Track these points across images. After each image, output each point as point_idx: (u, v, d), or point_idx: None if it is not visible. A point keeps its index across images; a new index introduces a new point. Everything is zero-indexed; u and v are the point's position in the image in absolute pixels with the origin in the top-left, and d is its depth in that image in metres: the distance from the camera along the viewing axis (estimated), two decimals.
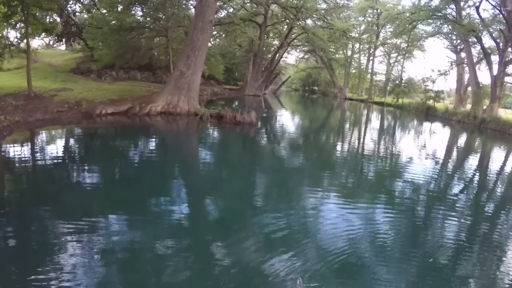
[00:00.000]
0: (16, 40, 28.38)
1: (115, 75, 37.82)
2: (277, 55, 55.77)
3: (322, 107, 55.27)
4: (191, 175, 13.36)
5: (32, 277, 5.70)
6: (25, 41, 23.45)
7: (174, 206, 9.43)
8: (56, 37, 41.09)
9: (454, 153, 23.48)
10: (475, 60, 47.29)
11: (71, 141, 16.81)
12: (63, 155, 13.90)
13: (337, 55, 69.61)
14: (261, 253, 7.04)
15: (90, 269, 6.05)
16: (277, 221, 8.71)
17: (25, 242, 6.87)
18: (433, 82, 52.31)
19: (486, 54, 41.01)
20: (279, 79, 73.31)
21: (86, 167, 12.59)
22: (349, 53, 72.01)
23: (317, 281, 6.25)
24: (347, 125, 35.30)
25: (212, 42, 56.76)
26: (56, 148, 14.84)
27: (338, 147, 21.73)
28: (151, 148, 17.17)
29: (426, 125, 38.57)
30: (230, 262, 6.64)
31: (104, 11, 37.16)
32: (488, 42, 42.76)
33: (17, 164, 12.09)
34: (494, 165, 20.25)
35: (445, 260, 7.64)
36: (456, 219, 10.28)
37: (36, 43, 47.38)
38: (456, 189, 14.11)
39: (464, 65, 52.03)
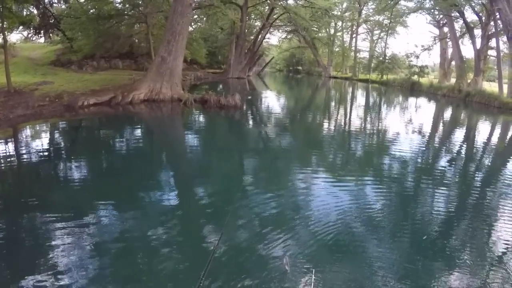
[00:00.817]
0: None
1: (96, 65, 37.27)
2: (260, 36, 55.29)
3: (307, 87, 55.18)
4: (178, 161, 13.31)
5: (23, 271, 5.72)
6: (1, 36, 22.80)
7: (163, 193, 9.43)
8: (34, 30, 40.12)
9: (440, 127, 23.65)
10: (458, 34, 47.31)
11: (54, 135, 16.50)
12: (46, 150, 13.64)
13: (320, 34, 69.14)
14: (253, 235, 7.15)
15: (81, 261, 6.03)
16: (267, 201, 8.84)
17: (15, 237, 6.87)
18: (417, 57, 52.51)
19: (469, 28, 41.15)
20: (263, 61, 72.96)
21: (71, 161, 12.41)
22: (332, 31, 71.69)
23: (309, 259, 6.32)
24: (332, 103, 35.35)
25: (194, 26, 56.28)
26: (39, 144, 14.56)
27: (325, 126, 21.82)
28: (136, 137, 16.99)
29: (412, 100, 38.74)
30: (222, 245, 6.58)
31: (82, 0, 36.46)
32: (470, 16, 42.86)
33: None
34: (480, 137, 20.48)
35: (435, 233, 7.72)
36: (444, 191, 10.46)
37: (14, 37, 46.56)
38: (443, 162, 14.27)
39: (447, 40, 52.15)
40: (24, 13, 28.60)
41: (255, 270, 5.99)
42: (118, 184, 10.05)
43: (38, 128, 17.22)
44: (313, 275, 5.01)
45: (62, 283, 5.50)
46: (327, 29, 70.06)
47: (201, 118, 22.28)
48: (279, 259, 6.17)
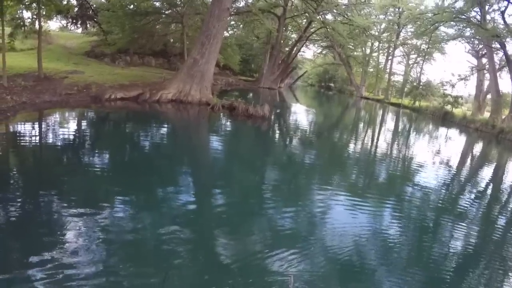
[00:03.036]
0: (29, 20, 27.95)
1: (129, 60, 37.47)
2: (295, 48, 54.96)
3: (337, 104, 54.60)
4: (199, 166, 13.08)
5: (36, 258, 5.74)
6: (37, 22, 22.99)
7: (180, 196, 9.33)
8: (71, 19, 40.57)
9: (469, 162, 22.73)
10: (497, 66, 45.91)
11: (78, 124, 16.33)
12: (68, 137, 13.52)
13: (355, 53, 68.59)
14: (264, 249, 7.04)
15: (94, 253, 6.07)
16: (284, 217, 8.72)
17: (29, 218, 6.99)
18: (453, 86, 51.13)
19: (509, 61, 39.75)
20: (295, 73, 72.80)
21: (91, 151, 12.40)
22: (368, 51, 71.01)
23: (318, 281, 6.21)
24: (361, 125, 34.61)
25: (230, 32, 56.40)
26: (62, 130, 14.40)
27: (351, 146, 21.22)
28: (159, 135, 16.67)
29: (442, 130, 37.66)
30: (231, 256, 6.66)
31: None
32: None
33: (14, 147, 11.69)
34: (509, 177, 19.50)
35: (450, 271, 7.45)
36: (465, 228, 9.99)
37: (53, 25, 47.19)
38: (468, 200, 13.53)
39: (485, 71, 50.81)
40: (62, 1, 28.53)
41: (260, 284, 5.92)
42: (136, 180, 9.96)
43: (63, 115, 17.16)
44: None
45: (70, 269, 5.54)
46: (363, 48, 69.42)
47: (227, 125, 21.86)
48: (285, 277, 6.01)
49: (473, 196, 14.15)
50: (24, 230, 6.59)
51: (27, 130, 13.89)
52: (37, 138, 13.04)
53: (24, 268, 5.53)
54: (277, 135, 21.71)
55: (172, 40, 42.20)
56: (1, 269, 5.45)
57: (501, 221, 11.59)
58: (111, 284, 5.44)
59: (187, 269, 6.15)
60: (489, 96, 48.17)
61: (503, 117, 38.92)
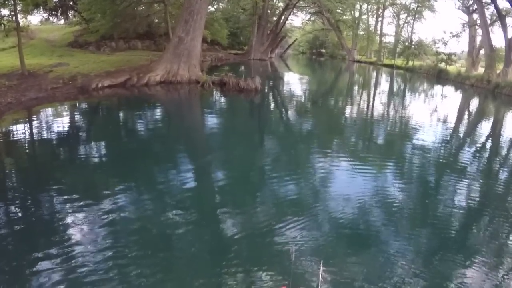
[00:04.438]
0: (6, 18, 27.15)
1: (114, 45, 36.69)
2: (283, 17, 54.15)
3: (330, 70, 54.28)
4: (196, 145, 12.99)
5: (38, 249, 5.77)
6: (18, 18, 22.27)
7: (181, 175, 9.35)
8: (50, 11, 39.61)
9: (467, 119, 22.53)
10: (488, 22, 44.99)
11: (66, 119, 15.92)
12: (59, 132, 13.27)
13: (344, 17, 67.54)
14: (267, 221, 7.00)
15: (96, 241, 6.05)
16: (286, 187, 8.69)
17: (32, 216, 6.91)
18: (445, 44, 50.51)
19: (500, 16, 38.91)
20: (286, 42, 71.79)
21: (83, 143, 12.25)
22: (357, 14, 69.90)
23: (324, 247, 6.19)
24: (356, 88, 34.34)
25: (215, 7, 55.25)
26: (49, 128, 13.98)
27: (347, 111, 21.19)
28: (150, 119, 16.40)
29: (438, 88, 37.39)
30: (235, 231, 6.67)
31: None
32: (502, 3, 40.58)
33: (8, 150, 11.34)
34: (507, 130, 19.27)
35: (456, 226, 7.49)
36: (466, 183, 10.03)
37: (34, 19, 46.19)
38: (467, 154, 13.58)
39: (477, 27, 49.92)
40: None
41: (263, 257, 5.93)
42: (135, 165, 9.91)
43: (51, 111, 16.67)
44: (321, 266, 4.54)
45: (75, 262, 5.48)
46: (352, 12, 68.30)
47: (219, 102, 21.57)
48: (288, 246, 5.92)
49: (473, 151, 14.05)
50: (29, 223, 6.59)
51: (17, 130, 13.50)
52: (28, 137, 12.69)
53: (33, 261, 5.48)
54: (271, 106, 21.54)
55: (156, 20, 41.17)
56: (11, 262, 5.48)
57: (503, 174, 11.60)
58: (120, 270, 5.41)
59: (192, 247, 6.15)
60: (482, 52, 47.43)
61: (498, 72, 38.37)
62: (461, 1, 51.63)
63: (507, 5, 38.34)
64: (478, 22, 46.73)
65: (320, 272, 4.57)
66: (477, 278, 5.62)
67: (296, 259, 5.29)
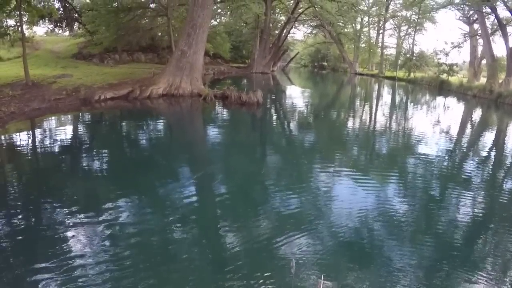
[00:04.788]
0: (12, 28, 27.47)
1: (118, 58, 37.03)
2: (284, 31, 54.42)
3: (332, 83, 54.26)
4: (198, 158, 12.94)
5: (40, 260, 5.81)
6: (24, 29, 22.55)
7: (183, 188, 9.32)
8: (55, 23, 40.06)
9: (470, 129, 22.50)
10: (489, 31, 45.19)
11: (67, 130, 15.98)
12: (62, 143, 13.29)
13: (346, 30, 67.90)
14: (269, 234, 6.97)
15: (98, 252, 6.10)
16: (288, 201, 8.66)
17: (34, 227, 6.93)
18: (446, 55, 50.63)
19: (501, 25, 39.10)
20: (287, 56, 72.24)
21: (85, 155, 12.27)
22: (358, 27, 70.28)
23: (328, 262, 6.15)
24: (358, 101, 34.30)
25: (217, 20, 55.67)
26: (50, 139, 14.01)
27: (350, 124, 21.13)
28: (152, 132, 16.45)
29: (440, 100, 37.32)
30: (236, 244, 6.66)
31: None
32: (502, 12, 40.59)
33: (10, 159, 11.42)
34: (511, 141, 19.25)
35: (460, 240, 7.37)
36: (470, 196, 9.92)
37: (40, 30, 46.68)
38: (471, 166, 13.47)
39: (478, 37, 50.12)
40: (43, 6, 27.99)
41: (264, 270, 5.83)
42: (137, 178, 9.88)
43: (53, 122, 16.80)
44: (322, 280, 4.66)
45: (78, 273, 5.50)
46: (353, 25, 68.67)
47: (221, 115, 21.60)
48: (289, 261, 5.77)
49: (477, 162, 13.99)
50: (30, 235, 6.59)
51: (19, 140, 13.58)
52: (30, 147, 12.76)
53: (33, 272, 5.51)
54: (273, 120, 21.49)
55: (160, 33, 41.61)
56: (11, 273, 5.52)
57: (507, 185, 11.48)
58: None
59: (193, 260, 6.15)
60: (484, 62, 47.60)
61: (500, 81, 38.42)
62: (462, 12, 51.89)
63: (508, 14, 38.55)
64: (479, 32, 47.02)
65: (321, 286, 4.62)
66: None
67: (297, 272, 5.30)
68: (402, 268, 6.04)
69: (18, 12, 22.32)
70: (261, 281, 5.54)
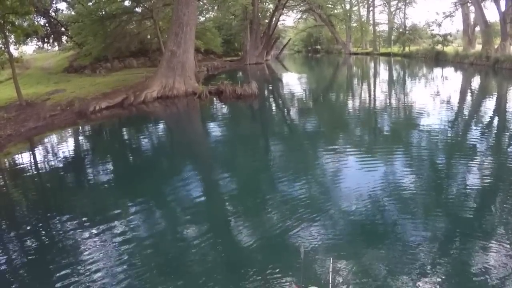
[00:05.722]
0: None
1: (109, 66, 36.75)
2: (274, 19, 53.90)
3: (327, 66, 54.06)
4: (202, 156, 12.82)
5: (54, 273, 5.82)
6: (12, 49, 22.35)
7: (192, 188, 9.25)
8: (43, 40, 39.88)
9: (471, 98, 22.23)
10: None
11: (69, 143, 15.95)
12: (63, 158, 13.21)
13: (335, 11, 67.51)
14: (280, 225, 6.90)
15: (111, 261, 6.05)
16: (297, 189, 8.53)
17: (46, 242, 6.96)
18: (439, 25, 50.15)
19: None
20: (280, 43, 71.73)
21: (89, 167, 12.19)
22: (348, 6, 69.85)
23: (339, 245, 6.09)
24: (355, 81, 34.13)
25: (206, 16, 55.30)
26: (55, 153, 13.99)
27: (350, 105, 21.03)
28: (152, 136, 16.32)
29: (437, 71, 37.07)
30: (248, 237, 6.62)
31: (90, 3, 35.70)
32: None
33: (15, 181, 11.34)
34: None
35: (471, 209, 7.28)
36: (479, 164, 9.81)
37: (29, 49, 46.59)
38: (475, 134, 13.34)
39: (469, 4, 49.56)
40: (27, 24, 27.73)
41: (275, 258, 5.85)
42: (142, 184, 9.73)
43: (52, 139, 16.60)
44: (331, 263, 4.73)
45: (92, 285, 5.47)
46: (343, 5, 68.24)
47: (218, 110, 21.41)
48: (298, 246, 5.79)
49: (481, 130, 13.87)
50: (43, 250, 6.62)
51: (21, 161, 13.46)
52: (33, 166, 12.63)
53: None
54: (271, 109, 21.42)
55: (148, 36, 41.26)
56: None
57: None
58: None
59: (206, 257, 6.14)
60: (477, 29, 47.05)
61: (496, 46, 38.03)
62: None
63: None
64: None
65: (330, 270, 4.58)
66: (498, 261, 5.47)
67: (306, 258, 5.18)
68: (417, 245, 5.93)
69: (2, 34, 22.10)
70: (273, 269, 5.54)
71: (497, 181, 8.57)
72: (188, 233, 6.93)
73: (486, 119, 15.75)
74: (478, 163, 9.85)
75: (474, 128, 14.38)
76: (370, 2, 68.69)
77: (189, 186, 9.42)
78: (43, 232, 7.41)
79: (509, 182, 8.39)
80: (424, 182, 8.62)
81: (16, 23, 22.28)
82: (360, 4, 71.11)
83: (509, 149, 11.43)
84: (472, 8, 47.33)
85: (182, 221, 7.50)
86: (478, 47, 44.10)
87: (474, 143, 11.92)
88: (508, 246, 5.79)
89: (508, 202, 7.49)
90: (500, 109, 17.67)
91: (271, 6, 58.98)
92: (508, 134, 13.25)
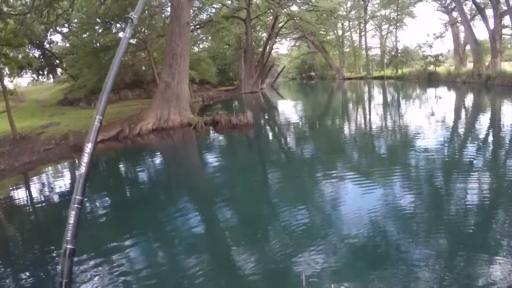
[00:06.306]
0: None
1: None
2: (268, 47, 54.36)
3: (322, 92, 54.26)
4: (199, 188, 12.61)
5: None
6: (6, 81, 22.39)
7: (189, 221, 8.98)
8: (37, 72, 40.04)
9: (465, 115, 22.31)
10: (469, 17, 45.43)
11: (65, 178, 15.63)
12: (59, 193, 12.90)
13: (328, 37, 68.28)
14: (279, 254, 6.78)
15: None
16: (296, 217, 8.35)
17: (45, 276, 6.85)
18: (430, 46, 50.93)
19: (479, 9, 39.35)
20: (275, 71, 72.34)
21: (86, 201, 11.61)
22: (340, 32, 70.81)
23: (339, 271, 5.95)
24: (350, 106, 34.21)
25: (201, 46, 55.84)
26: (45, 191, 13.63)
27: (345, 130, 21.00)
28: (149, 169, 16.04)
29: (431, 91, 37.29)
30: (247, 268, 6.42)
31: (84, 35, 35.99)
32: None
33: (9, 220, 11.00)
34: (508, 121, 18.98)
35: (473, 226, 7.19)
36: (478, 181, 9.74)
37: (24, 81, 46.77)
38: (472, 151, 13.36)
39: (458, 24, 50.36)
40: (21, 56, 27.90)
41: (277, 286, 5.88)
42: (139, 217, 9.53)
43: (46, 174, 16.29)
44: None
45: None
46: (335, 31, 69.16)
47: (214, 141, 21.28)
48: (298, 274, 5.69)
49: (477, 146, 13.88)
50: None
51: (14, 197, 13.08)
52: (27, 202, 12.34)
53: None
54: (268, 138, 21.26)
55: (143, 68, 41.49)
56: None
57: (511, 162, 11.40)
58: None
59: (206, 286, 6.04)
60: (468, 47, 47.78)
61: (487, 64, 38.49)
62: (439, 2, 52.31)
63: None
64: (459, 19, 47.22)
65: None
66: (502, 276, 5.35)
67: (308, 285, 5.14)
68: (420, 264, 5.78)
69: None
70: None
71: (496, 196, 8.56)
72: (186, 264, 6.75)
73: (481, 135, 15.78)
74: (476, 179, 9.84)
75: (470, 145, 14.39)
76: (362, 27, 69.67)
77: (187, 217, 9.27)
78: (39, 267, 7.24)
79: (508, 196, 8.40)
80: (424, 202, 8.58)
81: (10, 55, 22.38)
82: (352, 30, 72.12)
83: (506, 163, 11.39)
84: (461, 28, 48.15)
85: (180, 252, 7.32)
86: (470, 65, 44.69)
87: (471, 159, 11.92)
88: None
89: (508, 216, 7.47)
90: (494, 125, 17.76)
91: (264, 34, 59.71)
92: (504, 149, 13.28)
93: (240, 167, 14.69)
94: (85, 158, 2.31)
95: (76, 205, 2.20)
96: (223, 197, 10.88)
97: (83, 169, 2.28)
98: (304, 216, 8.33)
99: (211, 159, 16.82)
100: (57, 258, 7.47)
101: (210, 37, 56.04)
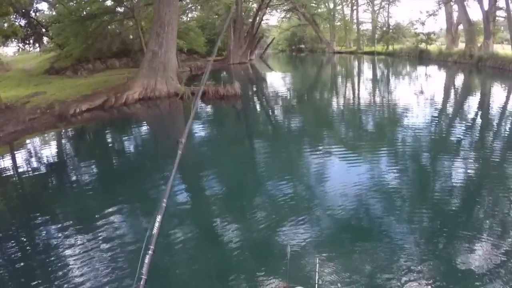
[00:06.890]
0: None
1: (91, 67, 35.99)
2: (257, 18, 53.68)
3: (311, 65, 54.12)
4: (185, 158, 12.23)
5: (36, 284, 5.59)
6: None
7: (176, 191, 8.91)
8: (23, 41, 39.15)
9: (455, 96, 22.38)
10: None
11: (46, 149, 15.38)
12: (44, 163, 12.83)
13: (319, 10, 67.65)
14: (265, 226, 6.87)
15: (97, 267, 5.87)
16: (282, 189, 8.47)
17: (28, 251, 6.73)
18: (423, 24, 50.66)
19: None
20: (264, 43, 71.53)
21: (71, 172, 11.88)
22: (331, 5, 70.02)
23: (324, 244, 6.07)
24: (339, 79, 34.24)
25: (189, 16, 54.92)
26: (31, 160, 13.46)
27: (333, 104, 21.18)
28: (135, 139, 16.04)
29: (421, 69, 37.33)
30: (235, 238, 6.57)
31: (71, 3, 35.05)
32: None
33: None
34: (497, 103, 19.12)
35: (456, 205, 7.36)
36: (464, 161, 10.00)
37: (10, 50, 45.83)
38: (461, 132, 13.50)
39: (452, 3, 49.97)
40: (6, 25, 27.15)
41: (261, 260, 5.87)
42: (125, 187, 9.60)
43: (32, 143, 16.14)
44: (317, 263, 4.56)
45: None
46: (326, 4, 68.36)
47: (201, 112, 21.06)
48: (284, 246, 5.66)
49: (465, 127, 14.04)
50: (24, 260, 6.36)
51: (7, 163, 13.18)
52: (13, 171, 12.17)
53: None
54: (256, 109, 21.36)
55: (131, 36, 40.65)
56: None
57: (497, 145, 11.60)
58: None
59: (191, 258, 6.14)
60: (461, 27, 47.53)
61: (479, 45, 38.38)
62: None
63: None
64: None
65: (317, 270, 4.45)
66: (485, 255, 5.49)
67: (292, 258, 5.02)
68: (403, 242, 5.91)
69: None
70: (259, 270, 5.50)
71: (482, 177, 8.71)
72: (171, 236, 6.73)
73: (470, 116, 15.98)
74: (463, 159, 10.04)
75: (458, 125, 14.57)
76: (353, 1, 69.12)
77: (173, 188, 9.17)
78: (24, 237, 7.22)
79: (494, 177, 8.52)
80: (409, 179, 8.73)
81: None
82: (344, 3, 71.44)
83: (492, 145, 11.58)
84: (455, 7, 47.76)
85: (164, 221, 7.17)
86: (461, 45, 44.52)
87: (458, 139, 12.10)
88: (495, 241, 5.83)
89: (492, 196, 7.60)
90: (483, 106, 17.84)
91: (254, 5, 58.81)
92: (491, 130, 13.48)
93: (227, 138, 14.78)
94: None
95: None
96: (208, 168, 10.91)
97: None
98: (288, 189, 8.41)
99: (197, 129, 16.65)
100: (39, 225, 7.54)
101: (199, 6, 55.05)
